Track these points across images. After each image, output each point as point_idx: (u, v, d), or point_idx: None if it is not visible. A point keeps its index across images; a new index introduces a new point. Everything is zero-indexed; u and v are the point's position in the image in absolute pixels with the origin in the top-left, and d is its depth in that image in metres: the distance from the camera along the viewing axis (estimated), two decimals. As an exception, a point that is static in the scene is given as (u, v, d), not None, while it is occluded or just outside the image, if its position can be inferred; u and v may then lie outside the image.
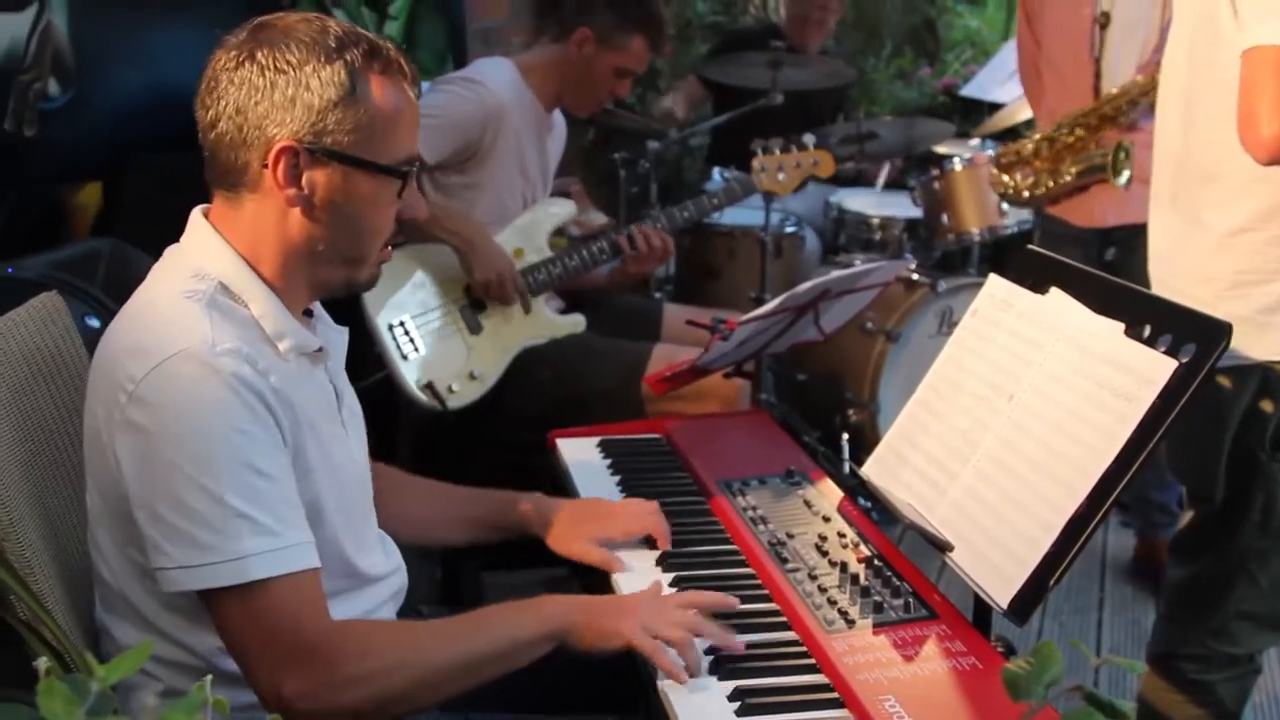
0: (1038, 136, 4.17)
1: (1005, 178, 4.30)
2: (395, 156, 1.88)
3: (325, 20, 1.86)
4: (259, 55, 1.80)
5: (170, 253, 1.94)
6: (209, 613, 1.79)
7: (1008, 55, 6.84)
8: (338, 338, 2.07)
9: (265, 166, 1.82)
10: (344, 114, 1.81)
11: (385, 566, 2.11)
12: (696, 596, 2.00)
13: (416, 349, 3.66)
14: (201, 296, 1.81)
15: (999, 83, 6.70)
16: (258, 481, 1.75)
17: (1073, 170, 4.03)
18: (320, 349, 1.96)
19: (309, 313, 2.01)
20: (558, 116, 4.10)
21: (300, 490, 1.84)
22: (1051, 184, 4.12)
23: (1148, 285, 2.70)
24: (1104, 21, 3.98)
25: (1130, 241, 3.78)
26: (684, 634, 1.87)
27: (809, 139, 3.98)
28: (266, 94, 1.79)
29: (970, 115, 6.93)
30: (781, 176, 3.97)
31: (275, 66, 1.79)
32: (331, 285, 1.96)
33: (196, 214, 1.93)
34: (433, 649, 1.86)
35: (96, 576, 1.93)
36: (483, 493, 2.39)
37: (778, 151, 3.96)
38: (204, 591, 1.75)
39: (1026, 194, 4.23)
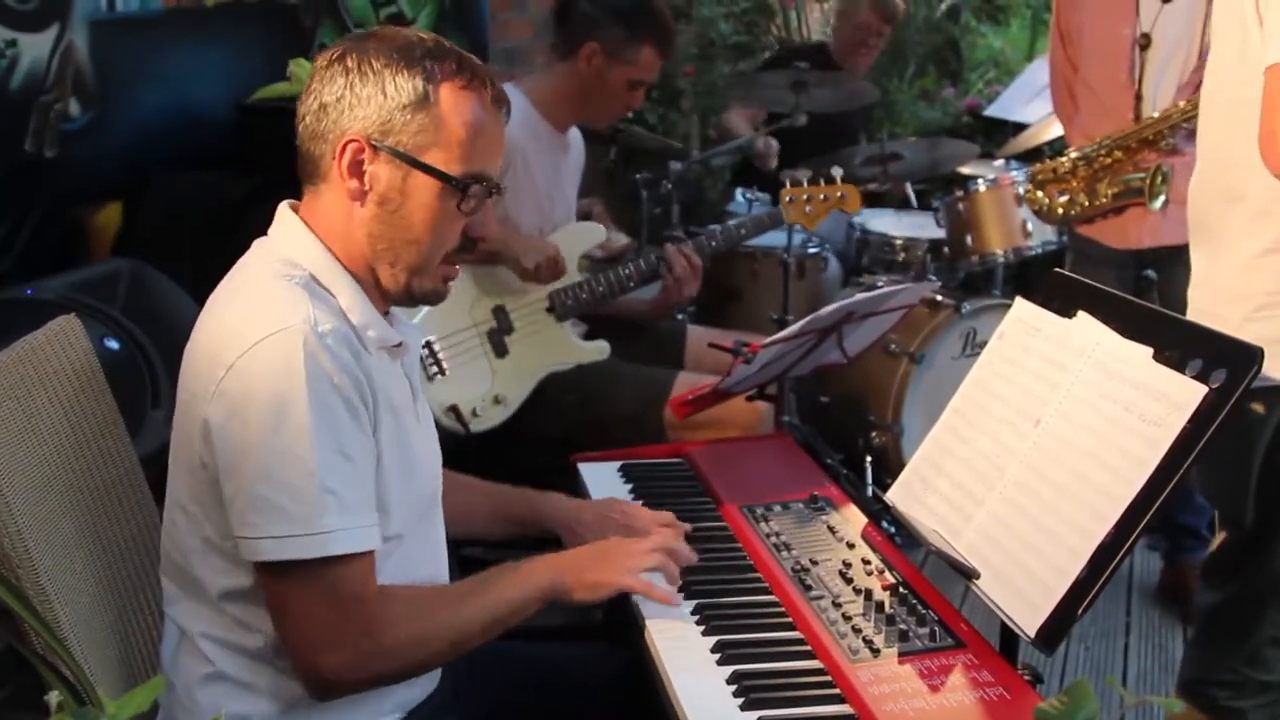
0: (1074, 154, 4.08)
1: (1039, 194, 4.24)
2: (458, 168, 1.92)
3: (424, 35, 1.94)
4: (348, 58, 1.90)
5: (258, 244, 2.00)
6: (269, 583, 1.83)
7: (1032, 75, 6.82)
8: (413, 335, 2.11)
9: (335, 158, 1.90)
10: (412, 117, 1.88)
11: (433, 572, 2.13)
12: (661, 533, 2.21)
13: (442, 371, 3.63)
14: (299, 280, 1.88)
15: (1023, 103, 6.67)
16: (343, 462, 1.81)
17: (1109, 192, 3.96)
18: (400, 344, 2.01)
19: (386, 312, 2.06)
20: (574, 134, 4.05)
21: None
22: (1086, 203, 4.05)
23: (1186, 309, 2.67)
24: (1145, 43, 3.86)
25: (1167, 263, 3.74)
26: (661, 559, 2.09)
27: (837, 172, 3.97)
28: (347, 92, 1.89)
29: (994, 136, 6.89)
30: (809, 209, 3.98)
31: (359, 69, 1.88)
32: (394, 292, 1.99)
33: (283, 207, 2.01)
34: (453, 616, 1.96)
35: (166, 557, 1.99)
36: (506, 489, 2.44)
37: (805, 184, 3.95)
38: (274, 563, 1.80)
39: (1060, 211, 4.17)
